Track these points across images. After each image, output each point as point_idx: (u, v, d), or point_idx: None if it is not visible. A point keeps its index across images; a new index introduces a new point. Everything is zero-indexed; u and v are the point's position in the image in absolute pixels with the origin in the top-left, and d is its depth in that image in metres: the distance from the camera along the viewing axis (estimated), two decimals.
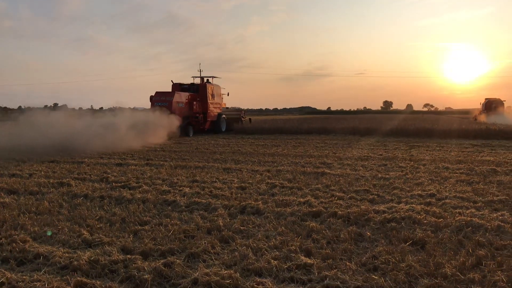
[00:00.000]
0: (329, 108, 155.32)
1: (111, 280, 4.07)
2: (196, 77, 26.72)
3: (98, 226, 5.74)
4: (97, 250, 4.78)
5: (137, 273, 4.16)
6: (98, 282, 3.95)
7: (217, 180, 9.04)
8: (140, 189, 8.13)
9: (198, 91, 25.13)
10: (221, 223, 5.71)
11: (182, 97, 23.40)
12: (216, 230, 5.50)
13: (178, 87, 24.93)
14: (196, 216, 6.16)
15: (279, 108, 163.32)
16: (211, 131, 25.79)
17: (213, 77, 27.31)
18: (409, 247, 4.81)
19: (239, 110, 35.49)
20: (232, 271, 4.11)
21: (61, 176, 9.65)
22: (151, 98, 23.13)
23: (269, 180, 8.93)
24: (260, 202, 6.89)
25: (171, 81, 25.31)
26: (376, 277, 4.00)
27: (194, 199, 7.15)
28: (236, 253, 4.64)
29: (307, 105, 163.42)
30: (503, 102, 44.60)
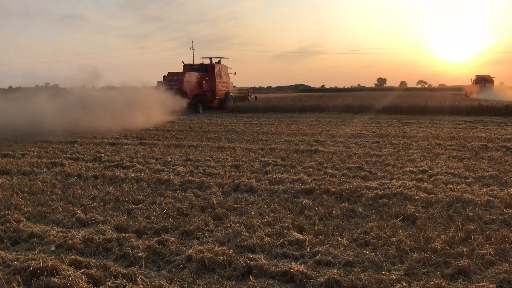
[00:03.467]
0: (323, 85, 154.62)
1: (105, 258, 4.11)
2: (205, 57, 28.55)
3: (92, 205, 5.76)
4: (91, 229, 4.82)
5: (131, 251, 4.21)
6: (92, 260, 3.99)
7: (210, 158, 9.06)
8: (134, 168, 8.13)
9: (207, 71, 26.99)
10: (214, 201, 5.75)
11: (192, 77, 25.18)
12: (209, 208, 5.54)
13: (188, 67, 27.03)
14: (189, 194, 6.19)
15: (273, 86, 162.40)
16: (220, 108, 27.07)
17: (221, 57, 28.87)
18: (400, 223, 4.89)
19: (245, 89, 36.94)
20: (225, 248, 4.16)
21: (54, 156, 9.62)
22: (164, 77, 25.19)
23: (262, 158, 8.95)
24: (253, 180, 6.92)
25: (182, 62, 27.47)
26: (367, 252, 4.07)
27: (187, 177, 7.17)
28: (230, 230, 4.70)
29: (301, 83, 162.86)
30: (493, 78, 45.13)
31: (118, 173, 7.62)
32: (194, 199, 5.91)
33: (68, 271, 3.66)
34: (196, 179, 7.06)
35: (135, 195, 6.22)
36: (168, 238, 4.49)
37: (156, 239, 4.48)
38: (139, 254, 4.12)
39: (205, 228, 4.82)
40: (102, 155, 9.64)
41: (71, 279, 3.53)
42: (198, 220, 5.01)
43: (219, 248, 4.15)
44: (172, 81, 24.06)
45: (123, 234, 4.64)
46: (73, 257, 4.02)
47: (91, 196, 6.19)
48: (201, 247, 4.18)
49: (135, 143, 11.81)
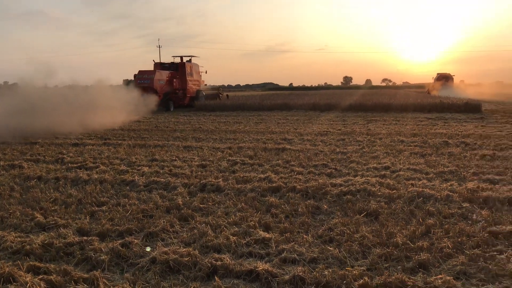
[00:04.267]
0: (291, 84, 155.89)
1: (66, 263, 3.99)
2: (176, 56, 28.92)
3: (53, 208, 5.58)
4: (51, 233, 4.67)
5: (93, 254, 4.11)
6: (52, 266, 3.86)
7: (177, 158, 8.96)
8: (98, 169, 7.95)
9: (178, 69, 27.38)
10: (180, 202, 5.69)
11: (163, 75, 25.61)
12: (175, 208, 5.48)
13: (159, 66, 27.48)
14: (155, 195, 6.10)
15: (241, 85, 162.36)
16: (191, 106, 27.09)
17: (191, 56, 29.39)
18: (364, 219, 4.99)
19: (217, 88, 37.80)
20: (190, 249, 4.12)
21: (12, 158, 9.27)
22: (135, 76, 25.33)
23: (230, 157, 8.93)
24: (220, 179, 6.89)
25: (153, 60, 27.74)
26: (331, 249, 4.13)
27: (153, 178, 7.07)
28: (195, 231, 4.66)
29: (269, 81, 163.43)
30: (453, 76, 47.02)
31: (81, 175, 7.43)
32: (159, 200, 5.83)
33: (26, 277, 3.53)
34: (162, 179, 6.97)
35: (99, 197, 6.08)
36: (132, 240, 4.41)
37: (119, 241, 4.39)
38: (101, 258, 4.02)
39: (170, 229, 4.76)
40: (65, 156, 9.36)
41: (29, 286, 3.41)
42: (163, 222, 4.95)
43: (184, 249, 4.11)
44: (143, 79, 24.39)
45: (85, 238, 4.52)
46: (31, 263, 3.88)
47: (51, 199, 6.00)
48: (165, 249, 4.12)
49: (99, 143, 11.53)
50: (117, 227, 4.82)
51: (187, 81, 27.36)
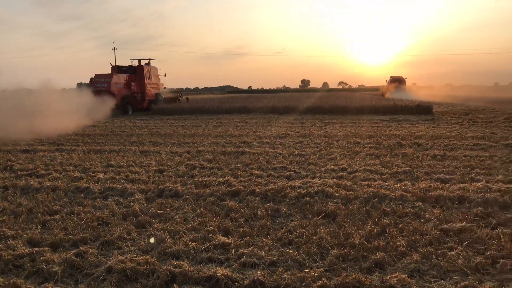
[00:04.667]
0: (250, 87, 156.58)
1: (16, 276, 3.80)
2: (134, 59, 28.62)
3: (1, 219, 5.31)
4: None
5: (45, 266, 3.94)
6: (0, 279, 3.67)
7: (133, 163, 8.76)
8: (50, 176, 7.63)
9: (136, 72, 27.24)
10: (137, 208, 5.56)
11: (120, 79, 25.43)
12: (132, 215, 5.35)
13: (116, 69, 27.23)
14: (111, 202, 5.93)
15: (200, 87, 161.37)
16: (149, 110, 26.67)
17: (150, 59, 29.07)
18: (322, 220, 5.06)
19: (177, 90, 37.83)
20: (148, 256, 4.03)
21: None
22: (91, 80, 25.01)
23: (188, 162, 8.84)
24: (179, 184, 6.80)
25: (110, 63, 27.82)
26: (291, 251, 4.16)
27: (108, 184, 6.87)
28: (152, 238, 4.57)
29: (228, 84, 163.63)
30: (405, 79, 49.07)
31: (32, 183, 7.11)
32: (115, 207, 5.67)
33: None
34: (118, 185, 6.79)
35: (51, 206, 5.84)
36: (87, 249, 4.26)
37: (73, 251, 4.24)
38: (54, 269, 3.86)
39: (127, 237, 4.64)
40: (14, 163, 8.93)
41: None
42: (120, 229, 4.81)
43: (141, 257, 4.01)
44: (100, 83, 24.26)
45: (36, 249, 4.33)
46: None
47: None
48: (122, 257, 4.02)
49: (51, 149, 11.09)
50: (71, 237, 4.65)
51: (145, 84, 27.31)
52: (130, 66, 28.17)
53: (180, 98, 32.57)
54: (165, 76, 31.08)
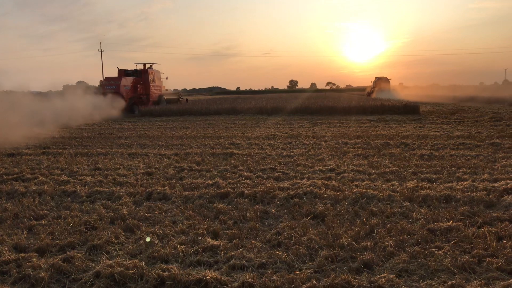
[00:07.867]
0: (238, 88, 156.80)
1: (1, 283, 3.75)
2: (138, 63, 30.36)
3: None
4: None
5: (32, 271, 3.88)
6: None
7: (121, 166, 8.69)
8: (36, 180, 7.54)
9: (141, 75, 29.12)
10: (125, 212, 5.52)
11: (128, 81, 27.54)
12: (120, 219, 5.30)
13: (123, 72, 28.74)
14: (98, 206, 5.88)
15: (188, 89, 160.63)
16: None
17: (153, 63, 30.91)
18: (311, 221, 5.08)
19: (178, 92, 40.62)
20: (137, 261, 4.00)
21: None
22: (101, 82, 27.73)
23: (177, 164, 8.79)
24: (167, 187, 6.77)
25: (117, 67, 29.02)
26: (279, 253, 4.16)
27: (96, 188, 6.81)
28: (141, 242, 4.54)
29: (216, 85, 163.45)
30: (389, 80, 49.96)
31: (17, 187, 7.01)
32: (103, 211, 5.62)
33: None
34: (106, 189, 6.73)
35: (37, 210, 5.76)
36: (74, 254, 4.22)
37: (60, 256, 4.19)
38: (41, 275, 3.81)
39: (115, 241, 4.60)
40: None
41: None
42: (108, 233, 4.77)
43: (130, 261, 3.98)
44: (110, 85, 26.38)
45: (22, 254, 4.26)
46: None
47: None
48: (110, 262, 3.98)
49: (37, 153, 10.95)
50: (58, 241, 4.59)
51: (150, 86, 29.14)
52: (136, 69, 29.80)
53: (181, 99, 34.14)
54: (166, 79, 33.00)
